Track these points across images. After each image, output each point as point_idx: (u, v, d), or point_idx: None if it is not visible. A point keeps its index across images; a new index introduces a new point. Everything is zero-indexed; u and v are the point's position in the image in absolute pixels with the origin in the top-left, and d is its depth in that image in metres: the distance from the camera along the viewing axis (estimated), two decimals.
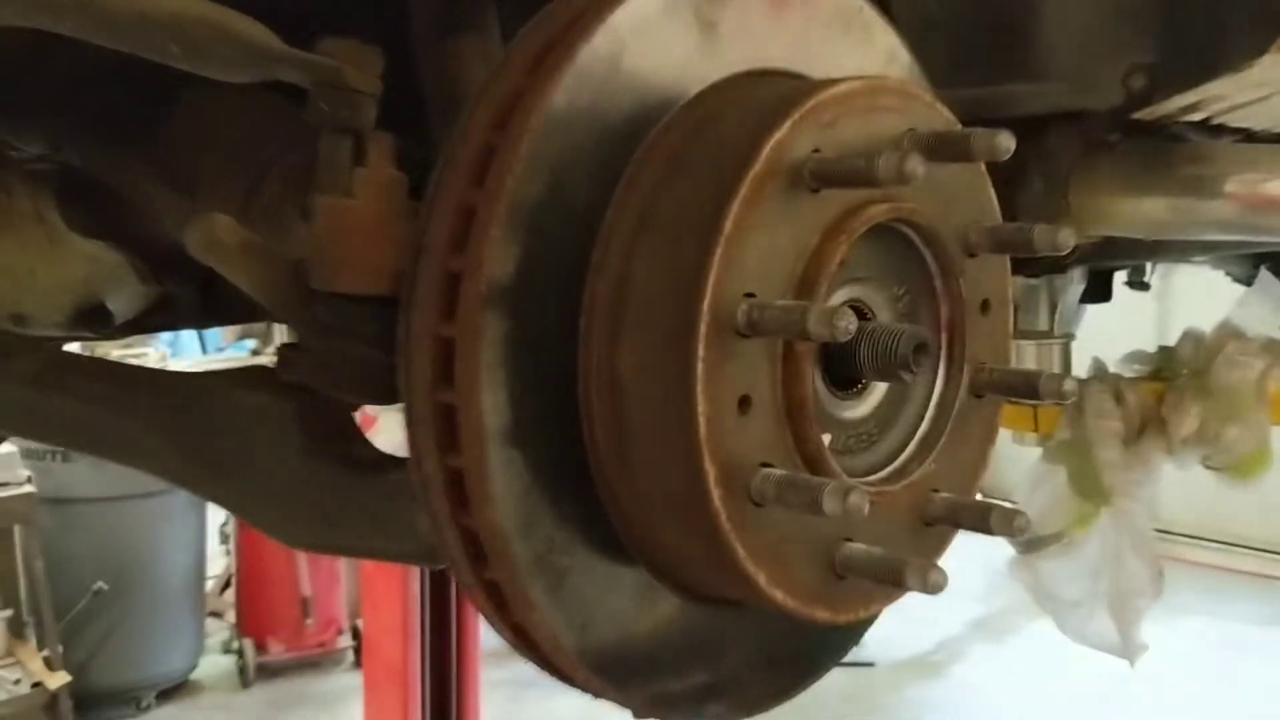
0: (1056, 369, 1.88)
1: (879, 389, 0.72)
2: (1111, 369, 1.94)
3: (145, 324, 1.40)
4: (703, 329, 0.60)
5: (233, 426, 0.89)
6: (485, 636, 4.57)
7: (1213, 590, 6.67)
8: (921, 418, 0.74)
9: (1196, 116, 1.19)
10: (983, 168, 0.74)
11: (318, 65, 0.83)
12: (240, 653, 5.22)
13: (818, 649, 0.80)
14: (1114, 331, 2.23)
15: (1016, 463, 1.95)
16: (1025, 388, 0.75)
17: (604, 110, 0.65)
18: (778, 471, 0.63)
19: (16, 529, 4.12)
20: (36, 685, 4.08)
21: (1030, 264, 1.68)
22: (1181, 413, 1.82)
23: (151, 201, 1.07)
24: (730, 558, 0.63)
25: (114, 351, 3.93)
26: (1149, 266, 3.78)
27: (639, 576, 0.69)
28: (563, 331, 0.64)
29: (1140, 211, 1.22)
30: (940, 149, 0.67)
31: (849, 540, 0.68)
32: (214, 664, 5.36)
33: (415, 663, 4.19)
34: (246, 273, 0.79)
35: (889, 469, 0.72)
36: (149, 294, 1.34)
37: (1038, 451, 1.92)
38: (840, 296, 0.69)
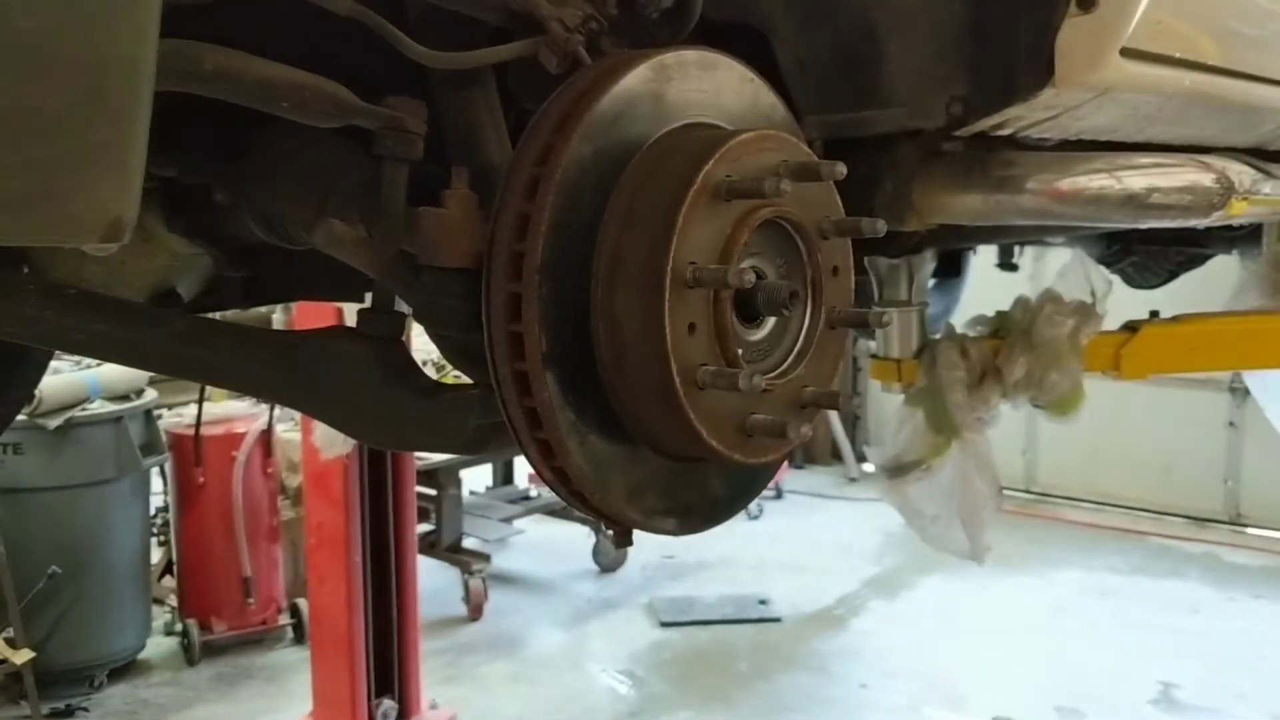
0: (914, 332, 2.34)
1: (770, 322, 1.15)
2: (959, 330, 2.39)
3: (202, 305, 1.78)
4: (668, 283, 1.02)
5: (328, 366, 1.29)
6: (424, 608, 4.94)
7: (1085, 545, 7.30)
8: (796, 340, 1.17)
9: (1004, 132, 1.47)
10: (831, 183, 1.18)
11: (384, 114, 1.23)
12: (185, 633, 5.46)
13: (746, 486, 1.23)
14: (997, 305, 2.53)
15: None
16: (861, 321, 1.19)
17: (604, 151, 1.06)
18: (712, 368, 1.06)
19: None
20: (2, 663, 4.33)
21: (892, 247, 2.10)
22: (1012, 363, 2.27)
23: (243, 207, 1.45)
24: (687, 422, 1.06)
25: None
26: (1017, 250, 4.29)
27: (630, 443, 1.11)
28: (580, 290, 1.06)
29: (964, 204, 1.51)
30: (803, 173, 1.11)
31: (754, 413, 1.11)
32: (159, 645, 5.61)
33: (359, 633, 4.51)
34: (363, 258, 1.19)
35: (777, 371, 1.16)
36: (207, 281, 1.73)
37: (901, 397, 2.37)
38: (746, 264, 1.12)
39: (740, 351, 1.09)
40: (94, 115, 0.65)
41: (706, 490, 1.20)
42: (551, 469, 1.09)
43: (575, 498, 1.11)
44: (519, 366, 1.04)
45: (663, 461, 1.14)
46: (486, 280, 1.05)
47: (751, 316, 1.13)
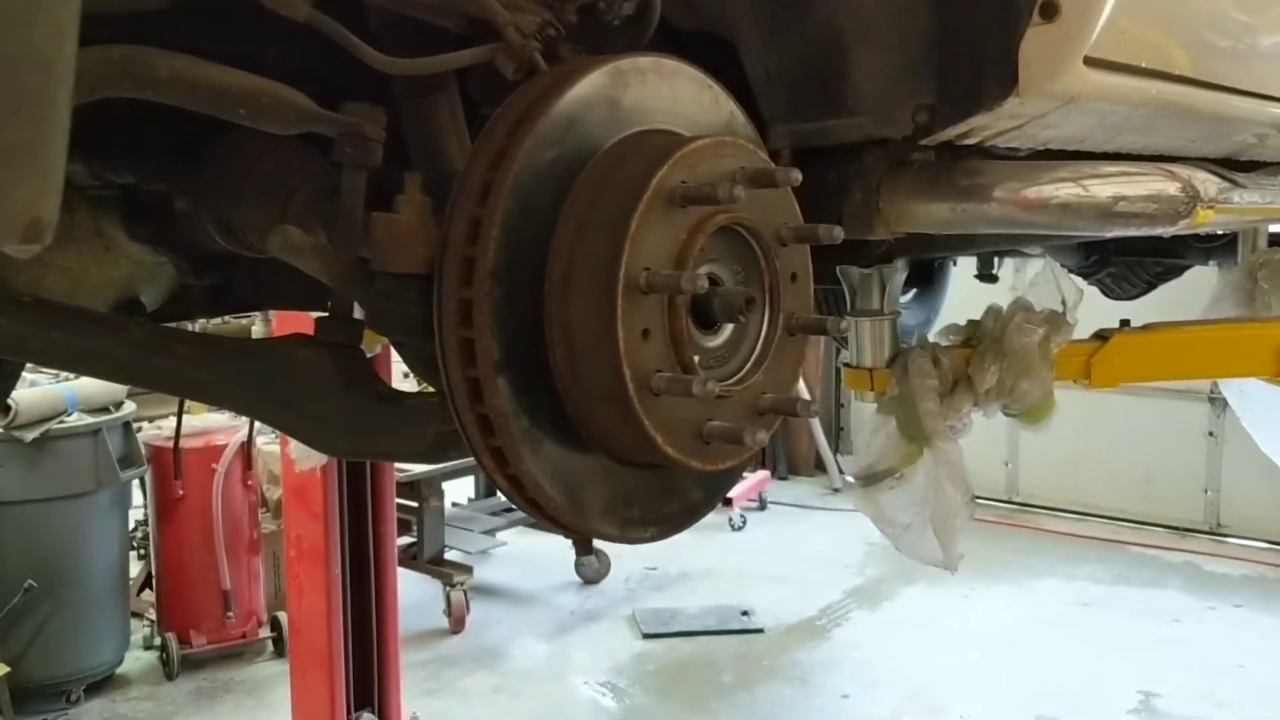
0: (887, 341, 2.33)
1: (727, 328, 1.15)
2: (931, 339, 2.38)
3: (169, 314, 1.77)
4: (620, 288, 1.01)
5: (287, 373, 1.28)
6: (405, 621, 4.91)
7: (1066, 554, 7.31)
8: (755, 346, 1.17)
9: (970, 141, 1.47)
10: (789, 189, 1.17)
11: (343, 121, 1.23)
12: (164, 647, 5.43)
13: (704, 494, 1.23)
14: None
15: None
16: (819, 328, 1.19)
17: (558, 156, 1.06)
18: (667, 374, 1.05)
19: None
20: None
21: (861, 256, 2.10)
22: (983, 371, 2.26)
23: (204, 215, 1.44)
24: (641, 428, 1.05)
25: None
26: (996, 262, 4.29)
27: (586, 449, 1.11)
28: (534, 295, 1.05)
29: (931, 213, 1.49)
30: (758, 180, 1.10)
31: (711, 419, 1.11)
32: (137, 659, 5.57)
33: (339, 646, 4.49)
34: (317, 264, 1.18)
35: (735, 378, 1.15)
36: (172, 290, 1.72)
37: (874, 406, 2.36)
38: (702, 270, 1.11)
39: (696, 358, 1.09)
40: (12, 115, 0.65)
41: (667, 497, 1.19)
42: (506, 476, 1.08)
43: (530, 505, 1.10)
44: (470, 372, 1.03)
45: (620, 468, 1.13)
46: (438, 285, 1.05)
47: (709, 323, 1.12)
